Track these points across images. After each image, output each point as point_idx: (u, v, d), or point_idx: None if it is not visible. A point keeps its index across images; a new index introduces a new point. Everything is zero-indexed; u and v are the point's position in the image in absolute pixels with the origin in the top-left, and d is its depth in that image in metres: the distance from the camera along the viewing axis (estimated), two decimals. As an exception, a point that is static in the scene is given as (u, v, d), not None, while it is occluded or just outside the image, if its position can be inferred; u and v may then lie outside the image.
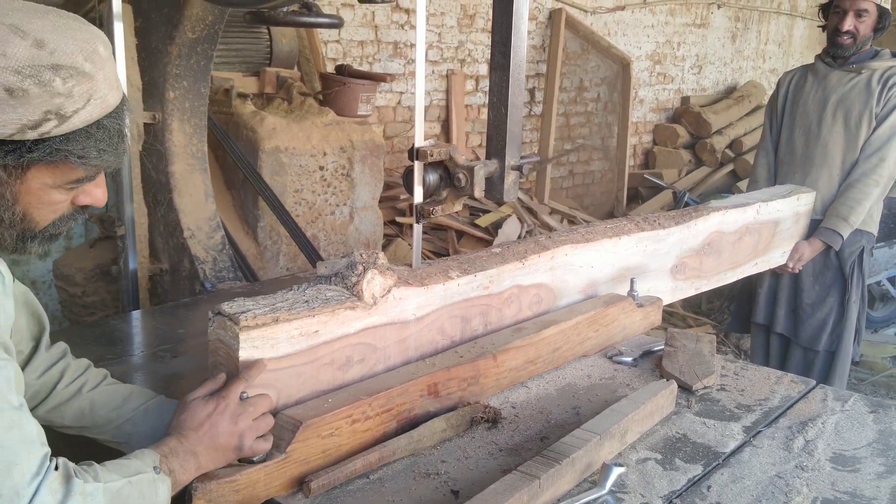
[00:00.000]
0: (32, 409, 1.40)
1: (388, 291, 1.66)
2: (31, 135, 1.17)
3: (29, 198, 1.23)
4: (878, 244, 5.17)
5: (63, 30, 1.19)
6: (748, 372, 2.06)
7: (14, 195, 1.21)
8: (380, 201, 4.46)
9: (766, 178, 3.74)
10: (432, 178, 1.87)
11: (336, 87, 4.20)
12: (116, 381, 1.60)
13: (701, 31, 9.21)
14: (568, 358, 2.04)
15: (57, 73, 1.16)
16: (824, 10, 3.57)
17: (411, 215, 1.91)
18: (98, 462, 1.22)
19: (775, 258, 3.27)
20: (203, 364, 2.11)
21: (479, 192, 1.86)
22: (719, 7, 9.32)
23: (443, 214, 1.92)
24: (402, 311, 1.72)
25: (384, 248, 4.79)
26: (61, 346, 1.60)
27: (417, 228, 1.94)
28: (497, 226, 5.98)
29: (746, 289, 3.94)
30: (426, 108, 6.47)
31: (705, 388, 1.92)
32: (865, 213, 3.43)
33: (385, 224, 4.77)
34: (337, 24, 2.43)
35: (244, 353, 1.43)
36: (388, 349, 1.71)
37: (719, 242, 2.77)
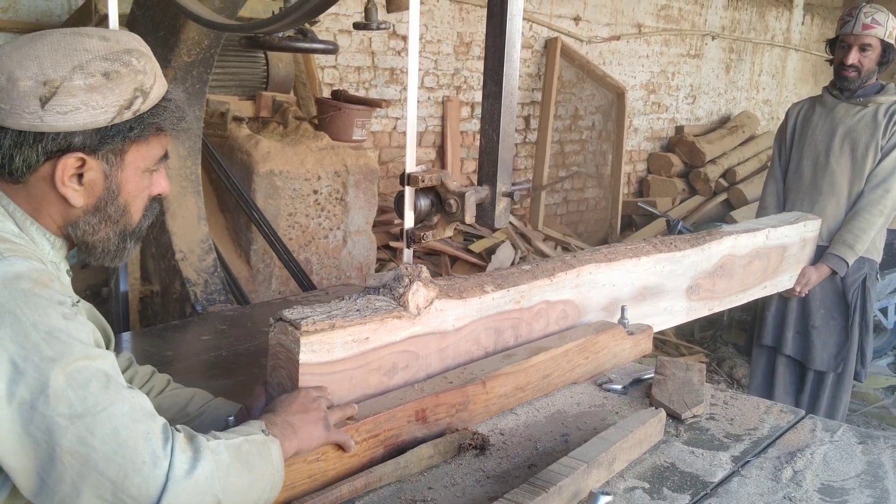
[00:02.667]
0: None
1: (431, 303, 1.76)
2: (127, 115, 1.31)
3: (128, 186, 1.37)
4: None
5: (107, 28, 1.38)
6: (737, 401, 2.06)
7: (118, 185, 1.35)
8: (373, 226, 4.47)
9: (774, 205, 3.84)
10: (423, 203, 1.87)
11: (331, 112, 4.23)
12: (179, 385, 1.70)
13: (695, 62, 9.31)
14: (557, 385, 2.04)
15: (130, 55, 1.32)
16: (831, 44, 3.69)
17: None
18: None
19: (783, 282, 3.36)
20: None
21: (469, 217, 1.86)
22: (713, 38, 9.42)
23: (433, 240, 1.92)
24: (442, 322, 1.81)
25: (377, 272, 4.79)
26: (126, 354, 1.69)
27: (408, 253, 1.94)
28: (490, 251, 5.99)
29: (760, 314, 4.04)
30: (421, 134, 6.52)
31: (694, 416, 1.92)
32: (870, 242, 3.55)
33: (378, 248, 4.78)
34: (332, 49, 2.45)
35: (304, 357, 1.51)
36: (429, 357, 1.80)
37: (731, 265, 2.85)
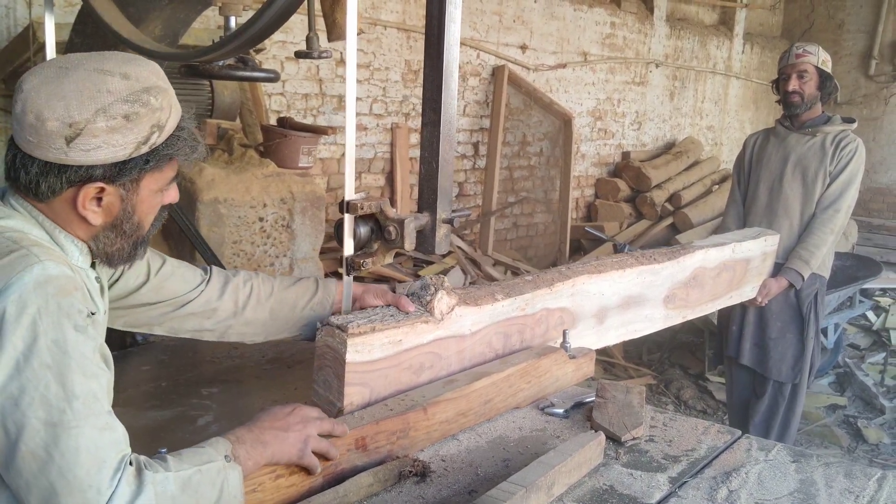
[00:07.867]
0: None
1: (452, 309, 1.96)
2: (144, 149, 1.45)
3: (142, 206, 1.51)
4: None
5: (128, 62, 1.46)
6: (677, 423, 2.09)
7: (133, 206, 1.50)
8: (321, 252, 4.45)
9: (735, 227, 4.12)
10: (363, 230, 1.87)
11: (277, 139, 4.22)
12: (283, 286, 1.99)
13: (640, 89, 9.50)
14: (500, 410, 2.05)
15: (150, 93, 1.43)
16: (776, 83, 4.03)
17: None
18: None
19: (746, 293, 3.58)
20: (135, 415, 2.06)
21: (409, 245, 1.87)
22: (657, 66, 9.63)
23: (373, 267, 1.92)
24: (461, 327, 2.01)
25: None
26: (220, 271, 1.96)
27: (347, 280, 1.93)
28: (440, 277, 5.99)
29: (724, 326, 4.32)
30: (371, 161, 6.53)
31: (634, 439, 1.94)
32: (822, 258, 3.86)
33: (326, 275, 4.75)
34: (272, 78, 2.44)
35: (350, 356, 1.71)
36: (449, 358, 2.00)
37: (703, 277, 3.06)
